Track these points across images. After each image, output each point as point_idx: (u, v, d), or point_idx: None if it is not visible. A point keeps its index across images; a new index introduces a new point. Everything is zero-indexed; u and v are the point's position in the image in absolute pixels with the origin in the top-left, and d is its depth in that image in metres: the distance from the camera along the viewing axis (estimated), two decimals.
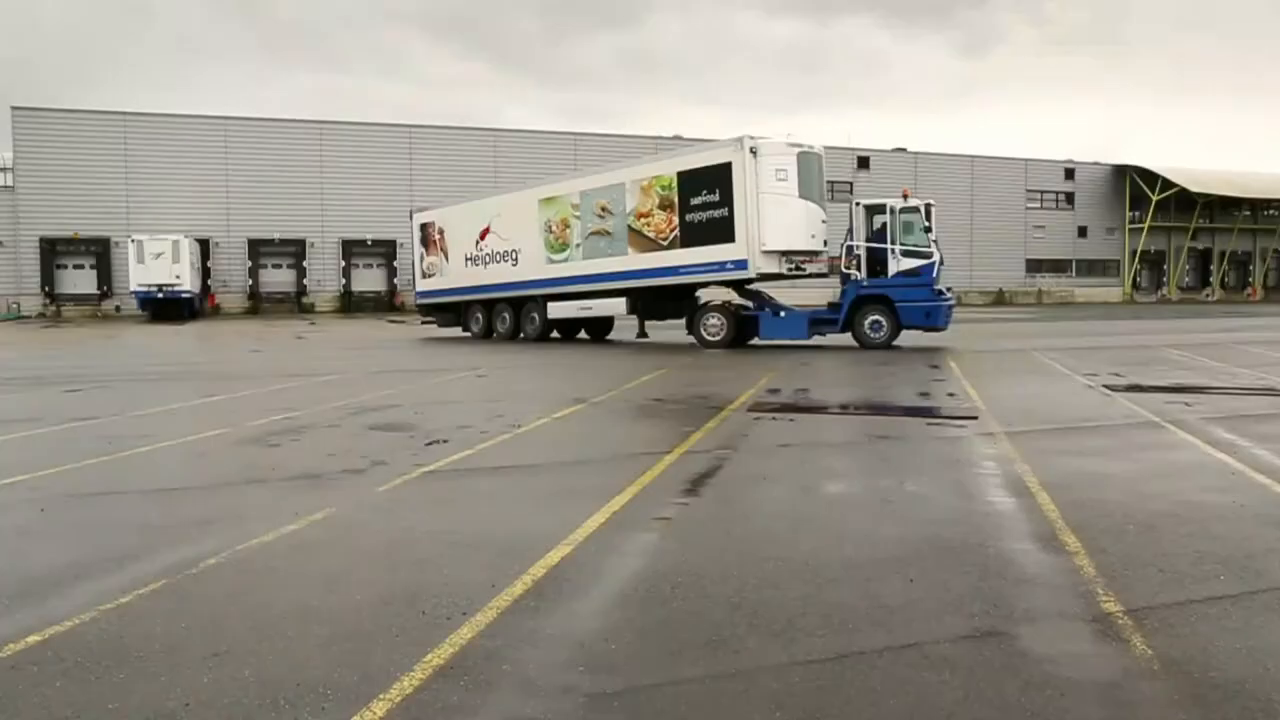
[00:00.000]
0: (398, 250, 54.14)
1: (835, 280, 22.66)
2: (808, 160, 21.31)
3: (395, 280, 54.26)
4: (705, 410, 11.44)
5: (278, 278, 52.82)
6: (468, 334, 28.31)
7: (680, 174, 22.00)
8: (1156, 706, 3.54)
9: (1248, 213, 73.17)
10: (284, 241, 52.26)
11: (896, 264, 21.00)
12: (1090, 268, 71.19)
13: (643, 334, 25.45)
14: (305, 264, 52.64)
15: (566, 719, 3.47)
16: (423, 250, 29.91)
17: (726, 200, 21.09)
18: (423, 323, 31.20)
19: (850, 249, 21.45)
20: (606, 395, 13.15)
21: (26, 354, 24.56)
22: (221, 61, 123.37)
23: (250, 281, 51.80)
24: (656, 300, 23.88)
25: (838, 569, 5.20)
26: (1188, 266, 73.41)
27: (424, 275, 29.91)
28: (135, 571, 5.22)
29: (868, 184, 56.29)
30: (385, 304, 53.51)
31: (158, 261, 42.64)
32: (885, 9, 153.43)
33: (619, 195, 23.37)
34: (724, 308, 22.74)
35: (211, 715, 3.50)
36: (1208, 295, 70.89)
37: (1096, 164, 71.26)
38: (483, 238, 27.50)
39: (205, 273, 49.42)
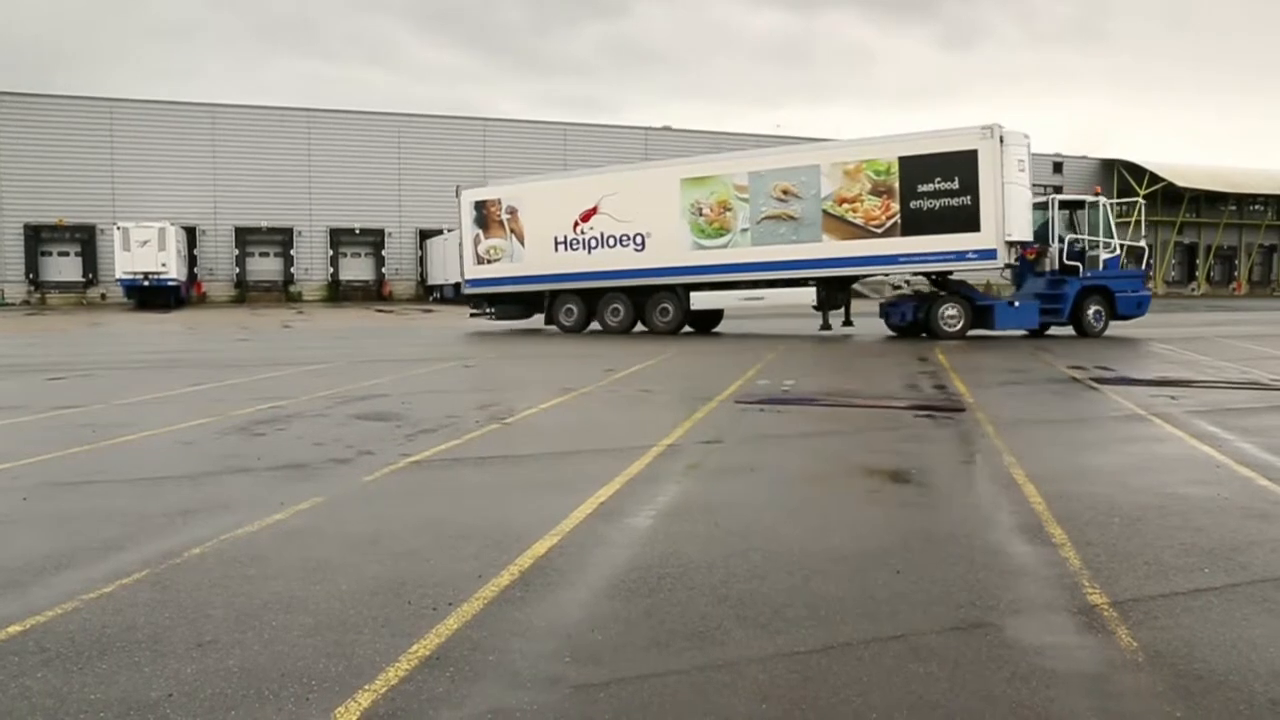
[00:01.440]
0: (386, 239, 54.05)
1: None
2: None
3: (383, 270, 54.12)
4: (697, 402, 11.45)
5: (265, 266, 52.59)
6: (551, 327, 25.80)
7: (903, 159, 21.29)
8: (1141, 698, 3.55)
9: (1233, 207, 73.51)
10: (271, 230, 52.03)
11: (1109, 256, 22.13)
12: None
13: (827, 326, 23.22)
14: (293, 253, 52.43)
15: (553, 710, 3.46)
16: (478, 232, 26.38)
17: (969, 188, 20.65)
18: (472, 315, 28.01)
19: (1072, 243, 22.04)
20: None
21: (10, 342, 24.39)
22: (208, 48, 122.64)
23: (237, 270, 51.56)
24: (841, 289, 23.28)
25: (824, 560, 5.20)
26: (1174, 261, 73.73)
27: (480, 261, 26.44)
28: (118, 561, 5.18)
29: None
30: (373, 293, 53.37)
31: (144, 249, 42.37)
32: (869, 2, 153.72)
33: (811, 178, 22.15)
34: (956, 298, 22.17)
35: (195, 705, 3.48)
36: (1193, 289, 71.24)
37: (1084, 158, 71.45)
38: (585, 219, 24.67)
39: (192, 261, 49.15)
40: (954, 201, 20.81)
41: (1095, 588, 4.72)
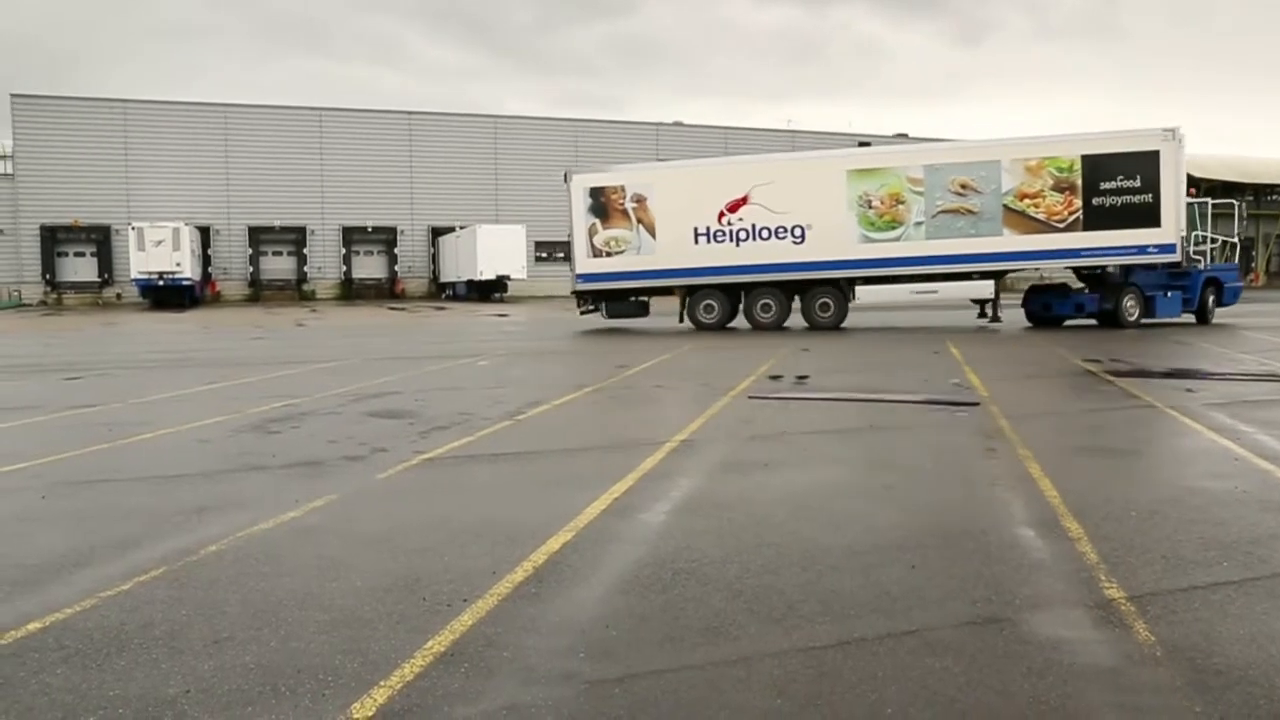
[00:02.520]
0: (398, 237, 54.18)
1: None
2: None
3: (396, 268, 54.26)
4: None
5: (278, 265, 52.81)
6: (686, 324, 24.31)
7: (1085, 157, 22.09)
8: (1159, 693, 3.53)
9: (1250, 198, 72.98)
10: (284, 229, 52.23)
11: (1212, 249, 24.39)
12: None
13: (996, 318, 23.59)
14: (306, 251, 52.62)
15: (567, 706, 3.46)
16: (594, 221, 24.05)
17: (1150, 186, 21.83)
18: (582, 312, 25.54)
19: (1199, 238, 23.80)
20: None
21: (27, 342, 24.56)
22: (219, 48, 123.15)
23: (251, 269, 51.79)
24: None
25: (838, 555, 5.19)
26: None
27: (596, 253, 24.13)
28: (136, 558, 5.21)
29: None
30: (386, 291, 53.53)
31: (158, 249, 42.59)
32: None
33: (991, 173, 22.50)
34: (1135, 290, 22.91)
35: (212, 702, 3.49)
36: None
37: None
38: (733, 210, 23.36)
39: (206, 260, 49.42)
40: (1135, 199, 21.90)
41: (1112, 582, 4.69)
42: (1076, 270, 23.75)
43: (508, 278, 46.79)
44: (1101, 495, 6.43)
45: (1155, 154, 21.85)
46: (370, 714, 3.38)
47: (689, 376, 13.79)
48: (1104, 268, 22.84)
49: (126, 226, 44.86)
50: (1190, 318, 23.55)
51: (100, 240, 48.97)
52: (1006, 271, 23.82)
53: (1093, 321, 23.21)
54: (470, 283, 47.49)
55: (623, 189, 24.04)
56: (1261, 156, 70.09)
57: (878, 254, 22.88)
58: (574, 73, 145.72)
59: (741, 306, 23.97)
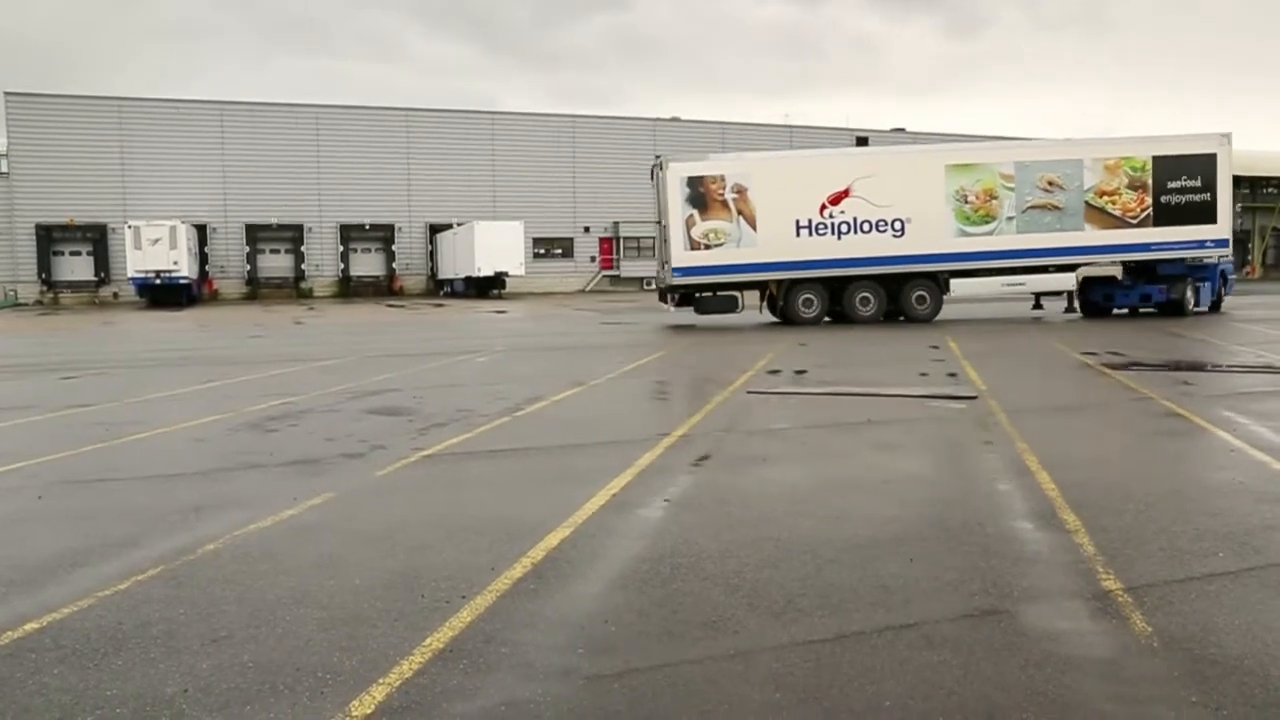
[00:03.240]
0: (396, 234, 54.14)
1: None
2: None
3: (394, 265, 54.21)
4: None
5: (276, 263, 52.74)
6: (777, 320, 23.76)
7: (1156, 158, 23.70)
8: (1156, 683, 3.54)
9: (1246, 191, 72.98)
10: (282, 227, 52.17)
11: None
12: None
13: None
14: (303, 249, 52.55)
15: (566, 701, 3.46)
16: (692, 212, 23.05)
17: (1209, 186, 23.78)
18: (677, 308, 24.13)
19: None
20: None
21: (23, 341, 24.53)
22: (217, 47, 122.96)
23: (248, 267, 51.72)
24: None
25: (837, 549, 5.20)
26: None
27: (694, 246, 23.08)
28: (133, 558, 5.21)
29: None
30: (384, 288, 53.49)
31: (155, 248, 42.50)
32: None
33: (1075, 171, 23.68)
34: (1190, 281, 24.47)
35: (210, 701, 3.49)
36: None
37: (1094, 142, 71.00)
38: (835, 202, 23.15)
39: (203, 258, 49.34)
40: (1196, 197, 23.80)
41: (1109, 574, 4.70)
42: (1125, 264, 24.28)
43: (506, 274, 46.76)
44: (1099, 488, 6.44)
45: (1213, 156, 23.76)
46: (369, 711, 3.38)
47: (687, 371, 13.80)
48: (1158, 261, 24.15)
49: (123, 225, 44.76)
50: (1148, 309, 24.85)
51: (96, 239, 48.88)
52: (1084, 265, 24.30)
53: (1153, 310, 24.62)
54: (468, 279, 47.45)
55: (723, 179, 23.22)
56: (1256, 150, 70.07)
57: (972, 247, 23.44)
58: (571, 68, 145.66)
59: (795, 299, 23.51)
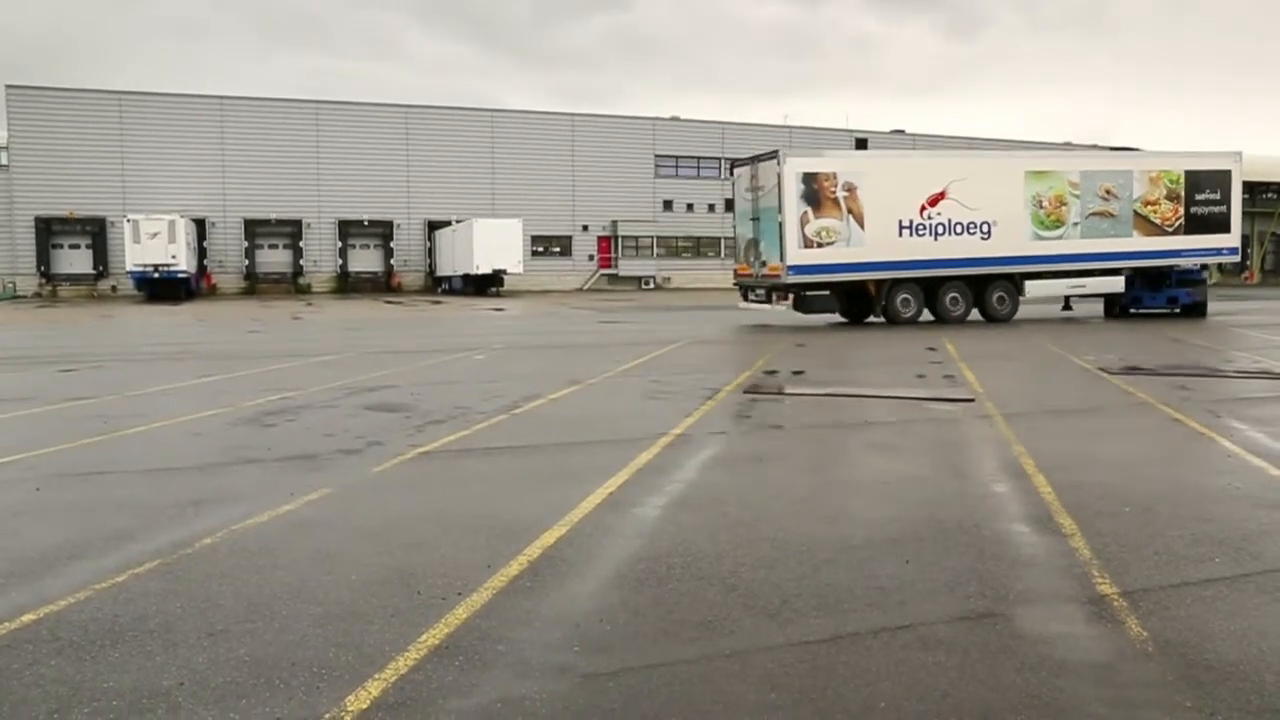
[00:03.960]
0: (394, 231, 54.14)
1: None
2: None
3: (392, 261, 54.21)
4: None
5: (274, 258, 52.73)
6: (879, 321, 23.68)
7: (1188, 172, 26.17)
8: (1151, 688, 3.55)
9: (1246, 196, 72.90)
10: (280, 222, 52.16)
11: None
12: None
13: (1069, 308, 27.61)
14: (302, 244, 52.56)
15: (561, 699, 3.47)
16: (806, 209, 22.71)
17: (1225, 199, 26.59)
18: (788, 306, 23.27)
19: None
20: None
21: (21, 334, 24.51)
22: (217, 44, 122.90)
23: (246, 262, 51.70)
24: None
25: (833, 550, 5.20)
26: None
27: (807, 244, 22.71)
28: (130, 551, 5.21)
29: None
30: (382, 285, 53.49)
31: (154, 241, 42.48)
32: None
33: (1126, 181, 25.71)
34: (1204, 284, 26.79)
35: (206, 694, 3.50)
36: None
37: (1095, 146, 71.11)
38: (933, 203, 23.62)
39: (201, 253, 49.31)
40: (1215, 209, 26.42)
41: (1105, 578, 4.71)
42: (1151, 270, 26.06)
43: (504, 272, 46.76)
44: (1095, 491, 6.45)
45: (1229, 172, 26.64)
46: (365, 707, 3.38)
47: (685, 371, 13.80)
48: (1172, 268, 26.11)
49: (122, 219, 44.73)
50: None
51: (95, 232, 48.85)
52: (1130, 269, 25.99)
53: (1177, 312, 25.92)
54: (466, 276, 47.46)
55: (835, 176, 23.16)
56: (1257, 155, 70.15)
57: (1045, 250, 24.73)
58: (570, 67, 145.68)
59: (895, 298, 23.58)
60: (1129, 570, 4.83)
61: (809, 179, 22.84)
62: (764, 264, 23.30)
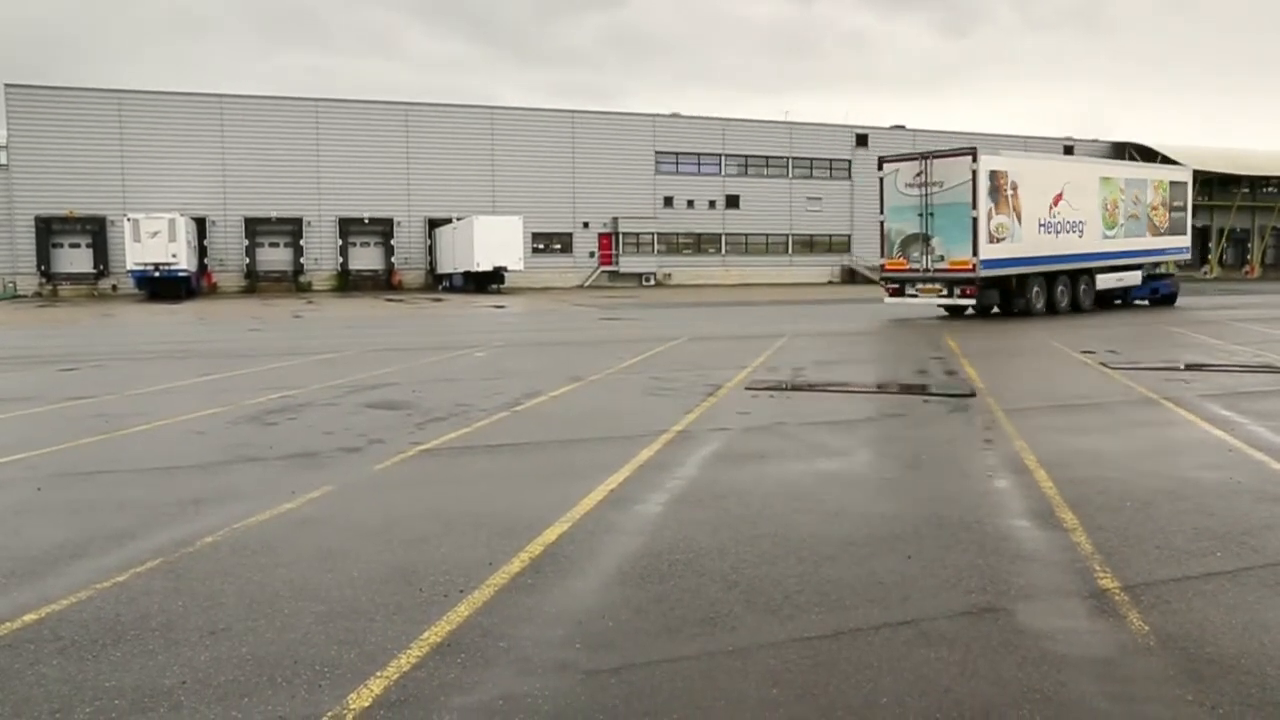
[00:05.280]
0: (395, 229, 54.11)
1: None
2: None
3: (392, 259, 54.17)
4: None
5: (275, 256, 52.67)
6: (1016, 313, 24.39)
7: (1171, 183, 30.37)
8: (1153, 682, 3.55)
9: (1246, 190, 72.99)
10: (281, 220, 52.11)
11: None
12: None
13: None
14: (302, 243, 52.50)
15: (563, 696, 3.47)
16: (991, 206, 23.68)
17: (1183, 207, 30.85)
18: (971, 299, 23.69)
19: None
20: None
21: (22, 333, 24.51)
22: (217, 42, 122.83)
23: (247, 260, 51.66)
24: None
25: (835, 546, 5.20)
26: None
27: (991, 239, 23.65)
28: (132, 550, 5.22)
29: (866, 161, 55.98)
30: (383, 283, 53.44)
31: (154, 240, 42.44)
32: None
33: (1144, 188, 29.30)
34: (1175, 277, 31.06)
35: (208, 693, 3.50)
36: (1205, 273, 70.81)
37: (1095, 141, 71.02)
38: (1055, 203, 25.58)
39: (202, 251, 49.28)
40: (1178, 215, 30.51)
41: (1107, 572, 4.71)
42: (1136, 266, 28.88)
43: (505, 269, 46.73)
44: (1097, 486, 6.45)
45: (1185, 184, 31.08)
46: (367, 704, 3.39)
47: (686, 368, 13.79)
48: (1156, 264, 29.96)
49: (122, 218, 44.67)
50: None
51: (95, 231, 48.80)
52: (1142, 264, 29.11)
53: (1146, 303, 28.97)
54: (467, 274, 47.41)
55: (1007, 175, 24.29)
56: (1257, 149, 70.16)
57: (1108, 248, 27.47)
58: (570, 64, 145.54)
59: (1028, 291, 24.84)
60: (1131, 565, 4.83)
61: (993, 176, 23.86)
62: (941, 258, 23.76)
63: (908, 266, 24.36)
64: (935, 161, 23.95)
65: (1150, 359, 14.27)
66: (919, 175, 24.00)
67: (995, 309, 24.27)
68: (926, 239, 23.80)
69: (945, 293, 23.95)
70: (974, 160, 23.36)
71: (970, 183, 23.15)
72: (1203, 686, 3.49)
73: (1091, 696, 3.43)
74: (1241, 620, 4.11)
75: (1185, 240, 31.40)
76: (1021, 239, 24.35)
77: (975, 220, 23.21)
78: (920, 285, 24.31)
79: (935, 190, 23.65)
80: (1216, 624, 4.07)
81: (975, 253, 23.25)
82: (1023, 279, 24.60)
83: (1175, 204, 30.42)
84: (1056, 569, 4.80)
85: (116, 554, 5.16)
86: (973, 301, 23.70)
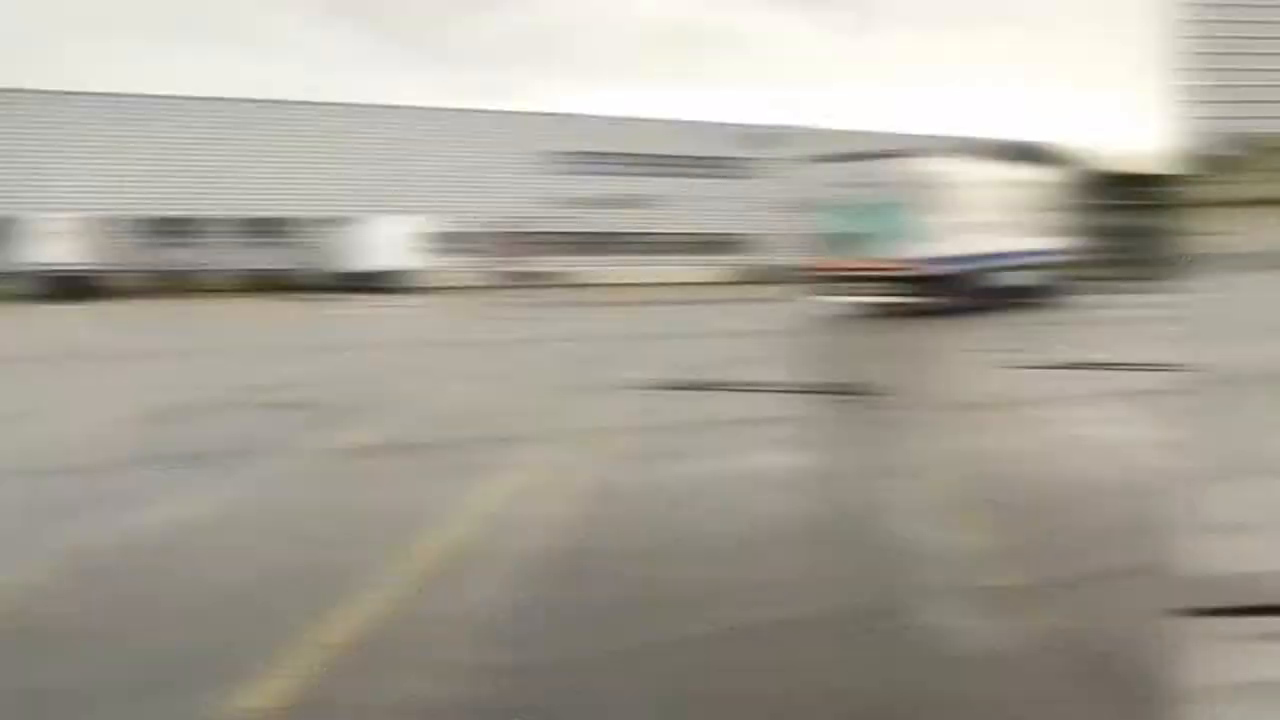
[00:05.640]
0: (295, 229, 52.86)
1: None
2: None
3: (293, 260, 52.79)
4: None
5: (176, 257, 51.02)
6: (940, 313, 24.92)
7: (1065, 184, 30.70)
8: (1046, 678, 3.63)
9: (1154, 189, 75.28)
10: (181, 220, 50.61)
11: None
12: None
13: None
14: (202, 243, 51.06)
15: (470, 696, 3.47)
16: (921, 206, 24.80)
17: (1076, 207, 30.75)
18: (912, 297, 24.86)
19: None
20: None
21: None
22: (79, 35, 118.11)
23: (148, 261, 49.93)
24: None
25: (735, 546, 5.27)
26: None
27: (923, 240, 24.76)
28: (25, 555, 5.04)
29: (769, 161, 56.24)
30: (285, 284, 52.09)
31: (54, 240, 41.28)
32: None
33: (1042, 190, 29.39)
34: None
35: (105, 695, 3.42)
36: (1111, 275, 72.87)
37: (1009, 141, 72.42)
38: (976, 206, 26.40)
39: (103, 252, 47.54)
40: (1070, 216, 30.13)
41: (1002, 570, 4.80)
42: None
43: (403, 269, 46.60)
44: (992, 486, 6.60)
45: (1079, 184, 31.63)
46: (267, 705, 3.33)
47: (590, 368, 13.76)
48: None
49: (18, 218, 42.97)
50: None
51: None
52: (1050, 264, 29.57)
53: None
54: (367, 274, 46.89)
55: (939, 176, 24.65)
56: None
57: (1017, 248, 27.24)
58: (474, 63, 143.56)
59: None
60: (1026, 563, 4.92)
61: (924, 177, 24.32)
62: (868, 258, 23.92)
63: (836, 266, 24.73)
64: (867, 162, 24.52)
65: (1053, 357, 14.64)
66: (851, 175, 24.51)
67: (921, 309, 24.10)
68: (855, 239, 24.13)
69: (869, 292, 24.28)
70: (905, 161, 24.19)
71: (901, 184, 23.68)
72: (1094, 683, 3.57)
73: (985, 694, 3.51)
74: (1131, 617, 4.16)
75: (1077, 240, 31.23)
76: (950, 240, 24.39)
77: (904, 221, 23.59)
78: (847, 285, 24.64)
79: (865, 190, 24.07)
80: (1110, 621, 4.14)
81: (903, 252, 23.54)
82: (950, 278, 24.56)
83: (1068, 204, 30.35)
84: (951, 568, 4.87)
85: (9, 559, 5.00)
86: (897, 300, 23.86)
